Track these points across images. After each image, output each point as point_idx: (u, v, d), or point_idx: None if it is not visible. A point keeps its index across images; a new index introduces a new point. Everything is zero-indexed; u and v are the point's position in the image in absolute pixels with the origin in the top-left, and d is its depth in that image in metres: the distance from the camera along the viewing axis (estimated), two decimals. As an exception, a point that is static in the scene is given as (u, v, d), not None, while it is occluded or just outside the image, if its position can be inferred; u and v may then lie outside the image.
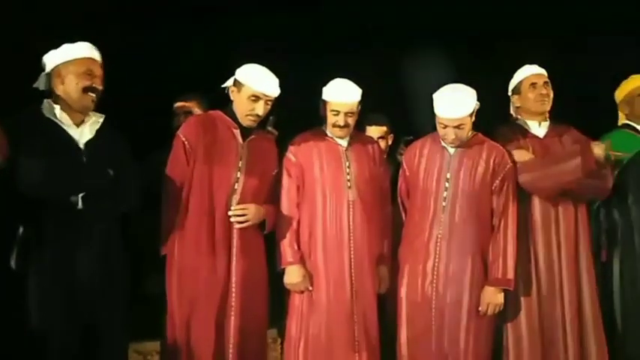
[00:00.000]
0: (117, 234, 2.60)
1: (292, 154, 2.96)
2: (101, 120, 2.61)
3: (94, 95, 2.54)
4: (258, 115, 2.80)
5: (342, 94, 2.90)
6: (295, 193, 2.94)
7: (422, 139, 3.03)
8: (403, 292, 2.91)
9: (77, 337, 2.45)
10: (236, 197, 2.79)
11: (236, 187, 2.79)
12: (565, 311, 2.92)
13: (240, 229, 2.78)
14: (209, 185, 2.77)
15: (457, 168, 2.88)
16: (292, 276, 2.89)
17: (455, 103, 2.79)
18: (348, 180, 2.92)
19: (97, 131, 2.58)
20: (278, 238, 2.92)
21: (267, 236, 2.91)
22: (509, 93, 3.15)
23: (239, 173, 2.80)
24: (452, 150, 2.91)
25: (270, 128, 3.31)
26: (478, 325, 2.85)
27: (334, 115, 2.91)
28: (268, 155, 2.93)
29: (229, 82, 2.85)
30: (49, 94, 2.56)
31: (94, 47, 2.59)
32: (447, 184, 2.88)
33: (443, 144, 2.92)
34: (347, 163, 2.94)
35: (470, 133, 2.89)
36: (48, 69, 2.55)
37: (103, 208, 2.49)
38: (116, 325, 2.55)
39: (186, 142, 2.78)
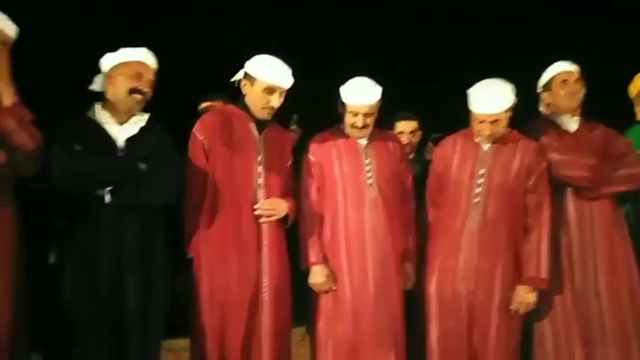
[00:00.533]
0: (155, 228, 2.59)
1: (312, 153, 2.95)
2: (145, 118, 2.65)
3: (139, 97, 2.59)
4: (273, 107, 2.78)
5: (359, 96, 2.87)
6: (316, 193, 2.93)
7: (454, 135, 3.01)
8: (433, 288, 2.89)
9: (109, 331, 2.48)
10: (262, 192, 2.76)
11: (260, 181, 2.77)
12: (603, 308, 2.88)
13: (266, 224, 2.76)
14: (231, 182, 2.73)
15: (491, 164, 2.86)
16: (316, 276, 2.89)
17: (492, 98, 2.77)
18: (369, 178, 2.91)
19: (142, 129, 2.62)
20: (301, 238, 2.92)
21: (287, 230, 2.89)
22: (539, 89, 3.11)
23: (260, 167, 2.77)
24: (486, 146, 2.88)
25: (294, 127, 3.30)
26: (509, 323, 2.83)
27: (352, 116, 2.89)
28: (284, 146, 2.92)
29: (239, 76, 2.82)
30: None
31: (149, 52, 2.65)
32: (480, 180, 2.85)
33: (477, 140, 2.90)
34: (367, 161, 2.92)
35: (505, 130, 2.86)
36: (103, 71, 2.64)
37: (132, 201, 2.50)
38: (151, 322, 2.56)
39: (203, 140, 2.73)
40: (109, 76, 2.61)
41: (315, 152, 2.95)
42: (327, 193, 2.93)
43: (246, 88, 2.79)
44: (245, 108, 2.81)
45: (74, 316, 2.45)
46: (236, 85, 2.83)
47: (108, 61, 2.62)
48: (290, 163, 2.92)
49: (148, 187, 2.51)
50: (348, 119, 2.90)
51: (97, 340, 2.46)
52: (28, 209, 2.41)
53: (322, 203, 2.92)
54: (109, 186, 2.47)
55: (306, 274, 2.91)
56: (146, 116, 2.66)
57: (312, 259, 2.89)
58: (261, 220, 2.76)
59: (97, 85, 2.65)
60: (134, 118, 2.63)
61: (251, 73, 2.77)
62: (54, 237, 2.52)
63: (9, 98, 2.25)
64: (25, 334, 2.34)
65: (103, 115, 2.61)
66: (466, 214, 2.85)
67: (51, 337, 2.49)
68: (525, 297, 2.81)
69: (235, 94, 2.86)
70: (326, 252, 2.90)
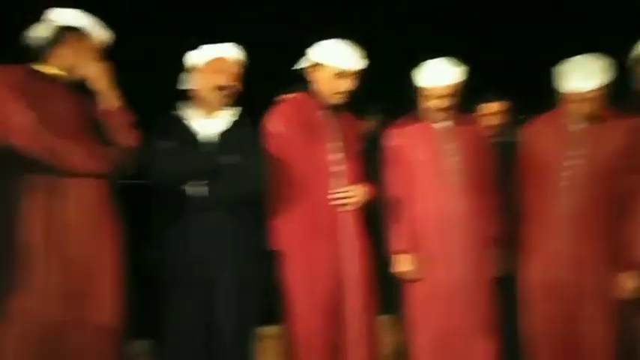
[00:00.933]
0: (246, 220, 2.63)
1: (393, 141, 2.93)
2: (235, 112, 2.70)
3: (225, 92, 2.64)
4: (347, 92, 2.76)
5: (433, 79, 2.81)
6: (400, 180, 2.90)
7: (542, 116, 2.90)
8: (528, 275, 2.82)
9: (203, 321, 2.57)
10: (343, 179, 2.76)
11: (340, 168, 2.77)
12: None
13: (345, 211, 2.76)
14: (309, 170, 2.74)
15: (584, 145, 2.73)
16: (402, 264, 2.88)
17: (585, 74, 2.64)
18: (452, 163, 2.85)
19: (232, 122, 2.67)
20: (386, 226, 2.90)
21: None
22: (631, 62, 2.93)
23: (339, 155, 2.77)
24: (578, 126, 2.76)
25: (375, 116, 3.28)
26: (607, 311, 2.70)
27: (429, 99, 2.83)
28: (355, 132, 2.91)
29: (305, 63, 2.80)
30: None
31: (234, 46, 2.69)
32: (570, 163, 2.74)
33: (567, 120, 2.77)
34: (448, 146, 2.87)
35: (600, 108, 2.71)
36: (189, 69, 2.71)
37: (223, 194, 2.55)
38: (245, 315, 2.63)
39: (278, 132, 2.73)
40: (194, 73, 2.67)
41: (395, 139, 2.93)
42: (410, 180, 2.89)
43: (314, 75, 2.78)
44: (315, 95, 2.79)
45: (168, 307, 2.56)
46: (300, 73, 2.81)
47: (192, 59, 2.68)
48: (361, 149, 2.90)
49: (238, 179, 2.56)
50: (426, 103, 2.85)
51: (191, 332, 2.55)
52: (123, 205, 2.52)
53: (405, 190, 2.90)
54: (196, 181, 2.54)
55: (390, 261, 2.90)
56: (236, 110, 2.70)
57: (397, 246, 2.88)
58: (346, 207, 2.76)
59: (184, 83, 2.72)
60: (223, 113, 2.68)
61: (319, 59, 2.76)
62: (149, 232, 2.63)
63: (115, 101, 2.38)
64: (127, 326, 2.46)
65: (191, 112, 2.68)
66: (557, 197, 2.75)
67: (152, 328, 2.61)
68: (631, 283, 2.69)
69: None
70: (411, 239, 2.88)
